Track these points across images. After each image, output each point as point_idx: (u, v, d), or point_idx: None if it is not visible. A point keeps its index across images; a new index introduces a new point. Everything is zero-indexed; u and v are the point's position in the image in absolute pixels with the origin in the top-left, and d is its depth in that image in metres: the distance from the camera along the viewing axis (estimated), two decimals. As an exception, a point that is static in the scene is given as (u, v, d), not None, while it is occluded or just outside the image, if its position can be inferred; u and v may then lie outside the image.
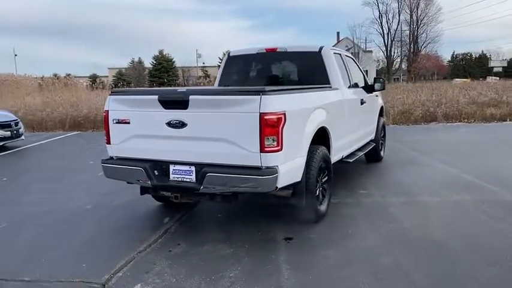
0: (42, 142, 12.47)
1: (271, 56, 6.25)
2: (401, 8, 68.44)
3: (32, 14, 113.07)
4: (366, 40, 68.60)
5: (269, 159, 3.96)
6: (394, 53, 72.40)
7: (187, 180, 4.27)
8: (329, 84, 5.77)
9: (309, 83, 5.91)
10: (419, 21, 69.66)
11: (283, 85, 6.05)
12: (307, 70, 6.10)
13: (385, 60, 73.77)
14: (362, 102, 6.62)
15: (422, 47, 71.07)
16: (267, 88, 4.04)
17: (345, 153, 6.00)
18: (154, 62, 53.17)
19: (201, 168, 4.15)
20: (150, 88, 6.36)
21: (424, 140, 11.33)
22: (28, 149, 11.35)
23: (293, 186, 4.50)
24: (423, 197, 5.81)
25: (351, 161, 6.18)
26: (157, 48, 56.64)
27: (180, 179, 4.33)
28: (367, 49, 71.03)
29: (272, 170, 3.96)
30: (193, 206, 5.58)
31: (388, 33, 69.51)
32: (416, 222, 4.88)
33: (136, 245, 4.36)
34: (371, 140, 7.72)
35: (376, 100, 7.74)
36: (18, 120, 11.19)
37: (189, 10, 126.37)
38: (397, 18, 69.10)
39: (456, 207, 5.38)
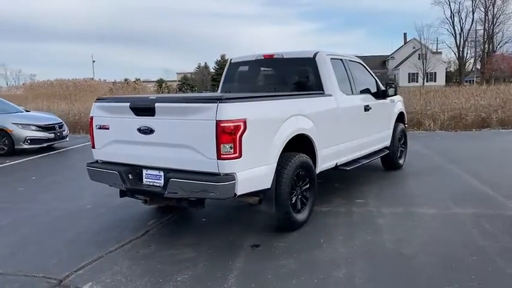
0: (86, 144, 13.27)
1: (269, 62, 6.27)
2: (475, 6, 64.59)
3: (110, 22, 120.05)
4: (437, 41, 65.47)
5: (226, 166, 4.01)
6: (466, 54, 68.56)
7: (157, 184, 4.43)
8: (322, 90, 5.68)
9: (302, 89, 5.89)
10: (495, 19, 65.34)
11: (278, 91, 6.04)
12: (302, 76, 6.05)
13: (457, 61, 70.00)
14: (367, 109, 6.43)
15: (498, 47, 66.62)
16: (225, 96, 4.09)
17: (341, 160, 5.87)
18: (217, 66, 54.41)
19: (167, 174, 4.29)
20: (128, 96, 6.80)
21: (461, 147, 10.74)
22: (72, 150, 12.15)
23: (262, 193, 4.52)
24: (421, 209, 5.55)
25: (348, 169, 6.03)
26: (224, 52, 57.81)
27: (151, 184, 4.50)
28: (436, 50, 67.98)
29: (229, 177, 4.01)
30: (184, 209, 5.73)
31: (460, 33, 65.84)
32: (398, 235, 4.69)
33: (110, 244, 4.58)
34: (386, 148, 7.47)
35: (391, 106, 7.46)
36: (63, 123, 12.03)
37: (256, 14, 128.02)
38: (471, 17, 65.24)
39: (450, 221, 5.10)
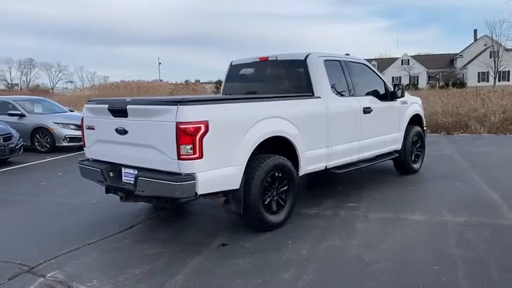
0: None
1: (264, 64, 6.33)
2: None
3: (175, 25, 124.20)
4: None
5: (186, 167, 4.16)
6: (545, 51, 63.40)
7: (131, 182, 4.67)
8: (312, 92, 5.67)
9: (295, 90, 5.89)
10: None
11: (271, 93, 6.09)
12: (294, 78, 6.05)
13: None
14: (367, 111, 6.30)
15: None
16: (186, 98, 4.25)
17: (332, 163, 5.81)
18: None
19: (138, 172, 4.53)
20: (112, 98, 7.07)
21: (497, 152, 10.16)
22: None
23: (231, 193, 4.63)
24: (410, 215, 5.37)
25: (340, 172, 5.96)
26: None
27: (127, 181, 4.75)
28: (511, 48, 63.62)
29: (189, 177, 4.16)
30: (181, 206, 5.96)
31: (538, 29, 61.16)
32: (370, 240, 4.59)
33: (92, 237, 4.89)
34: (396, 151, 7.26)
35: (401, 108, 7.22)
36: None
37: (325, 14, 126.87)
38: (550, 11, 60.30)
39: (433, 228, 4.90)
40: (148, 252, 4.44)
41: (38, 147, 11.60)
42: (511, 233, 4.69)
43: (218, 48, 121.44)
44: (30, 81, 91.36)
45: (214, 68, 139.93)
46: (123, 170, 4.81)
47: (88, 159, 5.34)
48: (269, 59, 6.20)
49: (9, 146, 9.58)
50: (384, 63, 73.61)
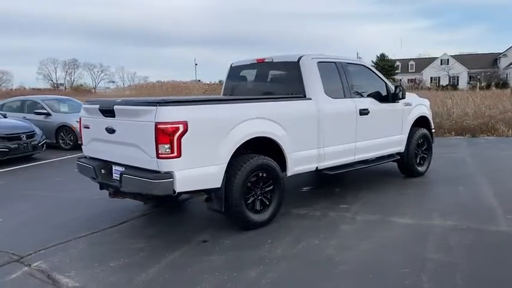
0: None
1: (261, 66, 6.43)
2: None
3: (213, 25, 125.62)
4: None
5: (164, 165, 4.33)
6: None
7: (118, 179, 4.89)
8: (304, 93, 5.73)
9: (287, 92, 5.97)
10: None
11: (267, 94, 6.21)
12: (288, 79, 6.11)
13: None
14: (364, 113, 6.29)
15: None
16: (166, 100, 4.42)
17: (324, 164, 5.84)
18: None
19: (124, 170, 4.74)
20: (107, 99, 7.41)
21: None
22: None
23: (213, 192, 4.77)
24: (398, 218, 5.34)
25: (332, 173, 5.99)
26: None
27: (116, 178, 4.98)
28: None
29: (167, 175, 4.33)
30: (180, 203, 6.16)
31: None
32: (348, 241, 4.63)
33: (84, 230, 5.14)
34: (399, 153, 7.20)
35: (404, 110, 7.13)
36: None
37: (365, 13, 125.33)
38: None
39: (417, 232, 4.87)
40: (132, 247, 4.64)
41: (62, 144, 12.14)
42: (495, 239, 4.59)
43: (255, 48, 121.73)
44: (74, 81, 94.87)
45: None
46: (113, 167, 5.03)
47: (85, 157, 5.61)
48: (265, 60, 6.29)
49: (32, 143, 10.09)
50: (422, 63, 71.89)
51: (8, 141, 9.63)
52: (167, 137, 4.28)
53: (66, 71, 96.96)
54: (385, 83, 6.93)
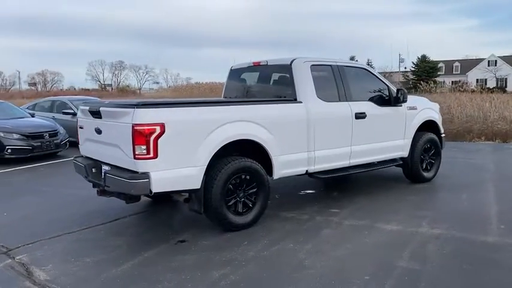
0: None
1: (257, 69, 6.47)
2: None
3: (254, 26, 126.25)
4: None
5: (141, 166, 4.47)
6: None
7: (103, 178, 5.07)
8: (295, 96, 5.73)
9: (280, 95, 6.00)
10: None
11: (261, 96, 6.26)
12: (281, 82, 6.12)
13: None
14: (360, 117, 6.20)
15: None
16: (143, 102, 4.56)
17: (315, 168, 5.81)
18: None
19: (108, 169, 4.92)
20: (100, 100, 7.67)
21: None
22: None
23: (193, 192, 4.87)
24: (386, 224, 5.24)
25: (322, 177, 5.95)
26: (354, 54, 56.97)
27: (103, 177, 5.16)
28: None
29: (144, 176, 4.46)
30: (175, 202, 6.31)
31: None
32: (325, 246, 4.60)
33: (76, 226, 5.37)
34: (402, 158, 7.05)
35: (407, 114, 6.96)
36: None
37: (406, 13, 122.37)
38: None
39: (399, 239, 4.78)
40: (113, 243, 4.81)
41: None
42: (476, 249, 4.43)
43: (296, 49, 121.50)
44: (120, 82, 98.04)
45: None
46: (103, 166, 5.23)
47: (82, 156, 5.84)
48: (261, 64, 6.34)
49: (55, 141, 10.58)
50: (468, 65, 69.31)
51: (32, 140, 10.14)
52: (143, 138, 4.41)
53: (113, 73, 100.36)
54: (387, 86, 6.80)
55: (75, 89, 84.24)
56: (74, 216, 5.86)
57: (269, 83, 6.40)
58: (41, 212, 6.17)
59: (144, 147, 4.42)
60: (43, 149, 10.30)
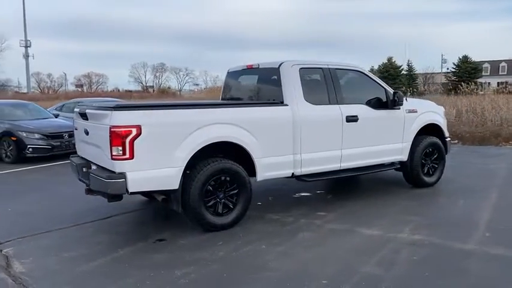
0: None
1: (250, 72, 6.55)
2: None
3: (294, 28, 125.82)
4: None
5: (118, 166, 4.65)
6: None
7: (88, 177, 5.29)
8: (282, 99, 5.77)
9: (269, 97, 6.05)
10: None
11: (252, 99, 6.34)
12: (270, 85, 6.14)
13: None
14: (351, 120, 6.15)
15: None
16: (120, 104, 4.74)
17: (301, 171, 5.81)
18: (382, 68, 52.70)
19: (92, 169, 5.14)
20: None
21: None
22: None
23: (172, 193, 5.01)
24: (366, 229, 5.19)
25: (310, 180, 5.95)
26: (392, 55, 55.69)
27: (92, 176, 5.39)
28: None
29: (120, 176, 4.64)
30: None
31: None
32: (296, 249, 4.63)
33: (68, 223, 5.62)
34: (401, 162, 6.93)
35: (406, 117, 6.81)
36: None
37: (454, 11, 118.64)
38: None
39: (373, 244, 4.73)
40: (94, 240, 5.02)
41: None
42: (449, 257, 4.33)
43: (342, 50, 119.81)
44: (161, 83, 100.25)
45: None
46: (92, 166, 5.46)
47: (78, 156, 6.11)
48: (253, 67, 6.41)
49: (73, 142, 10.99)
50: (516, 65, 66.36)
51: (52, 139, 10.63)
52: (120, 140, 4.58)
53: (155, 75, 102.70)
54: (385, 89, 6.70)
55: (119, 90, 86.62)
56: (71, 213, 6.12)
57: (260, 86, 6.46)
58: (42, 208, 6.48)
59: (120, 148, 4.59)
60: (62, 148, 10.77)
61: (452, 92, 38.61)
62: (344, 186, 7.61)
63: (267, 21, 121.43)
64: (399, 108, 6.75)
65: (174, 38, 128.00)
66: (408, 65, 57.48)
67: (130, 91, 79.59)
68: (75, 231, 5.41)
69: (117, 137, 4.58)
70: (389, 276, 3.91)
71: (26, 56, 65.75)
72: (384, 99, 6.64)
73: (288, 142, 5.68)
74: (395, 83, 49.19)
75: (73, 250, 4.71)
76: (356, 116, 6.22)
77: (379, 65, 54.17)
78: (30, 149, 10.37)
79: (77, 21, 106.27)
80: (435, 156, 7.29)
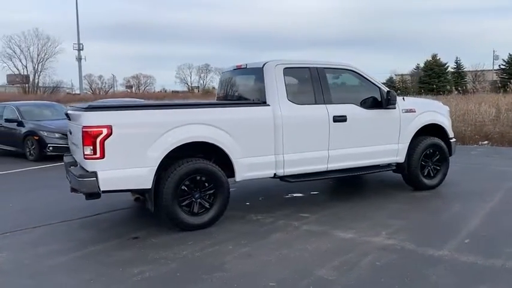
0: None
1: (239, 72, 6.54)
2: None
3: (337, 26, 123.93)
4: None
5: (89, 165, 4.81)
6: None
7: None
8: (264, 99, 5.75)
9: (254, 97, 6.04)
10: None
11: (240, 99, 6.35)
12: (256, 85, 6.12)
13: None
14: (339, 120, 6.02)
15: None
16: (92, 105, 4.89)
17: (284, 171, 5.76)
18: (425, 67, 50.96)
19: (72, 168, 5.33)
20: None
21: None
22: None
23: (145, 192, 5.12)
24: (341, 232, 5.08)
25: (292, 181, 5.89)
26: (437, 52, 53.63)
27: (75, 175, 5.59)
28: None
29: (92, 175, 4.79)
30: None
31: None
32: (261, 250, 4.59)
33: (58, 219, 5.85)
34: (398, 164, 6.72)
35: (401, 117, 6.59)
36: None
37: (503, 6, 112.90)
38: None
39: (342, 247, 4.62)
40: (75, 237, 5.21)
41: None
42: (414, 264, 4.15)
43: (386, 48, 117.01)
44: (205, 84, 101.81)
45: (383, 68, 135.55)
46: (78, 165, 5.66)
47: (70, 155, 6.34)
48: (241, 67, 6.41)
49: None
50: None
51: (71, 139, 11.07)
52: (90, 140, 4.72)
53: (200, 75, 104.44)
54: (379, 88, 6.51)
55: (165, 91, 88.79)
56: (66, 209, 6.34)
57: (248, 86, 6.46)
58: (42, 204, 6.77)
59: (91, 147, 4.73)
60: (82, 147, 11.18)
61: (501, 90, 36.72)
62: (342, 188, 7.49)
63: (309, 21, 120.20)
64: (394, 108, 6.55)
65: (219, 39, 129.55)
66: (456, 62, 55.33)
67: (177, 91, 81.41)
68: (61, 227, 5.63)
69: (88, 137, 4.72)
70: (341, 281, 3.81)
71: (79, 59, 68.55)
72: (378, 99, 6.46)
73: (269, 142, 5.65)
74: (440, 81, 47.49)
75: (50, 245, 4.90)
76: (344, 116, 6.09)
77: (424, 62, 52.43)
78: (51, 148, 10.87)
79: (126, 25, 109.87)
80: (437, 158, 7.00)
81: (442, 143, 7.03)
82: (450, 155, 7.20)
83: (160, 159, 5.02)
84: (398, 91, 40.76)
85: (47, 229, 5.54)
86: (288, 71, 5.91)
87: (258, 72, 5.99)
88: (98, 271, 4.16)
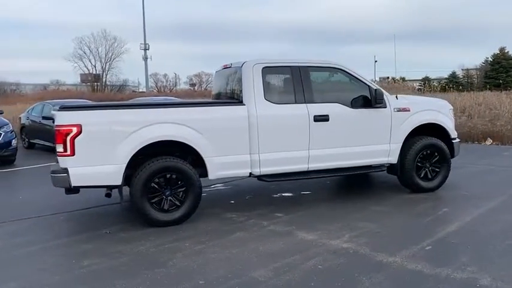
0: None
1: (226, 71, 6.60)
2: None
3: (396, 20, 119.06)
4: None
5: (61, 162, 5.12)
6: None
7: (53, 173, 5.81)
8: (241, 98, 5.80)
9: (235, 96, 6.09)
10: None
11: (226, 98, 6.43)
12: (235, 84, 6.15)
13: None
14: (320, 119, 5.92)
15: None
16: (65, 105, 5.17)
17: (261, 170, 5.77)
18: (491, 61, 47.74)
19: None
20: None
21: None
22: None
23: (116, 188, 5.36)
24: (305, 233, 5.02)
25: (269, 180, 5.89)
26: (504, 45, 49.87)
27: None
28: None
29: (63, 171, 5.10)
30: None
31: None
32: (216, 248, 4.65)
33: (50, 211, 6.23)
34: (391, 164, 6.49)
35: (393, 116, 6.33)
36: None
37: None
38: None
39: (295, 249, 4.56)
40: (55, 229, 5.55)
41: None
42: (356, 269, 4.02)
43: (450, 42, 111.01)
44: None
45: (446, 63, 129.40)
46: (60, 162, 6.00)
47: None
48: (227, 66, 6.48)
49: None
50: None
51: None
52: (61, 138, 5.02)
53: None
54: (368, 86, 6.29)
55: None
56: (62, 203, 6.66)
57: (230, 85, 6.49)
58: (43, 198, 7.06)
59: (61, 145, 5.03)
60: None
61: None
62: (337, 188, 7.37)
63: (370, 14, 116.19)
64: (385, 107, 6.32)
65: (271, 36, 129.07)
66: (500, 52, 51.04)
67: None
68: (47, 219, 5.97)
69: (60, 135, 5.02)
70: (270, 283, 3.78)
71: (145, 58, 71.34)
72: (367, 98, 6.26)
73: (244, 141, 5.68)
74: (508, 76, 44.42)
75: (27, 236, 5.26)
76: (327, 116, 5.97)
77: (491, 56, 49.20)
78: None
79: (190, 25, 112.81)
80: (435, 159, 6.66)
81: (442, 144, 6.67)
82: (452, 156, 6.82)
83: (130, 157, 5.22)
84: (461, 86, 38.59)
85: (35, 221, 5.92)
86: (268, 70, 5.90)
87: (237, 72, 6.03)
88: (53, 262, 4.43)
